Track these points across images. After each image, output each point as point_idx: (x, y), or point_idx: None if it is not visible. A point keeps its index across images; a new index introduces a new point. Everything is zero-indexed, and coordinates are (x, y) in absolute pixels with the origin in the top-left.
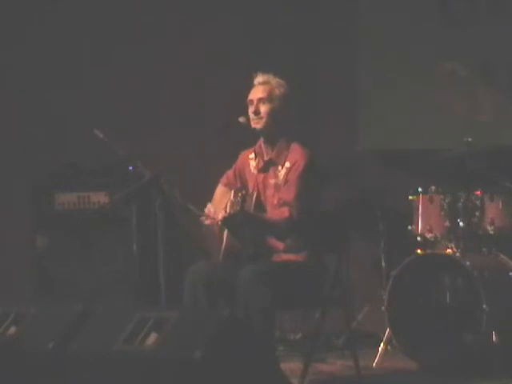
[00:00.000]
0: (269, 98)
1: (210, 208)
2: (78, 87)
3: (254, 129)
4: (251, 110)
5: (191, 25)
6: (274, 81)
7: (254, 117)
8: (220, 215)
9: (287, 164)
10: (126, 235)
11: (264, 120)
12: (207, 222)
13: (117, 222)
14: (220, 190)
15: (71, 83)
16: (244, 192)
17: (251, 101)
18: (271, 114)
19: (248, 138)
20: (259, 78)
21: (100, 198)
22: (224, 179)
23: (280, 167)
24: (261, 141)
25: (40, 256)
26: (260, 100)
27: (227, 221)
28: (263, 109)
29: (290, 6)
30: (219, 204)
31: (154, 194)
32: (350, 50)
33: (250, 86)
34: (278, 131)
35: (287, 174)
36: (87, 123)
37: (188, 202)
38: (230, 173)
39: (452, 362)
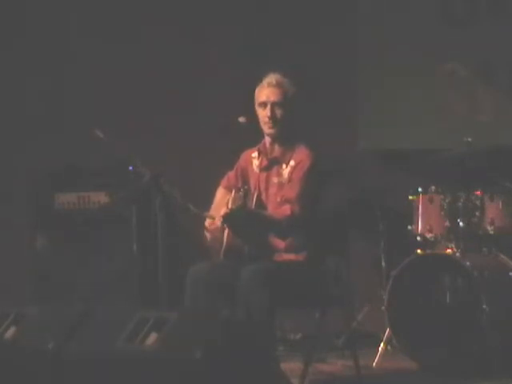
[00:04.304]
0: (284, 102)
1: (210, 223)
2: (78, 87)
3: (270, 134)
4: (265, 113)
5: (191, 25)
6: (286, 82)
7: (269, 121)
8: (222, 211)
9: (292, 163)
10: (125, 235)
11: (280, 124)
12: (209, 236)
13: (117, 222)
14: (220, 192)
15: (71, 83)
16: (246, 187)
17: (264, 103)
18: (287, 118)
19: (248, 137)
20: (271, 80)
21: (100, 197)
22: (224, 181)
23: (284, 166)
24: (266, 140)
25: (40, 256)
26: (275, 104)
27: (229, 217)
28: (279, 113)
29: (291, 6)
30: (220, 206)
31: (154, 194)
32: (350, 49)
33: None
34: (289, 132)
35: (292, 172)
36: (87, 123)
37: (188, 202)
38: (231, 174)
39: (452, 362)
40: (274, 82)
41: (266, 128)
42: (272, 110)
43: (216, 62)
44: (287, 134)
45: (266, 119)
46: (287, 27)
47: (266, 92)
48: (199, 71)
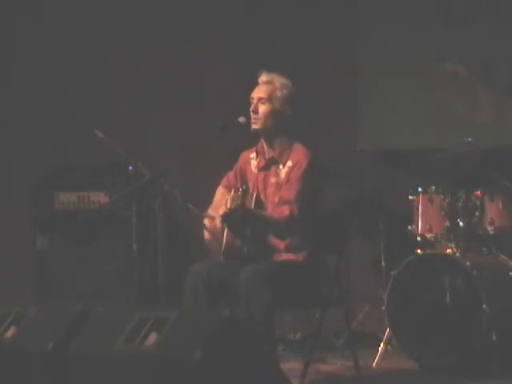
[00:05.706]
0: (269, 99)
1: (210, 222)
2: (78, 87)
3: (253, 130)
4: (251, 108)
5: (191, 24)
6: (279, 81)
7: (253, 115)
8: (220, 211)
9: (289, 163)
10: (125, 235)
11: (261, 120)
12: (209, 236)
13: (117, 222)
14: (220, 191)
15: (71, 83)
16: (245, 187)
17: (252, 98)
18: (269, 115)
19: (248, 138)
20: (263, 77)
21: (100, 197)
22: (224, 181)
23: (281, 166)
24: (262, 140)
25: (40, 256)
26: (260, 99)
27: (228, 216)
28: (262, 109)
29: (291, 5)
30: (219, 206)
31: (154, 194)
32: (351, 49)
33: (250, 86)
34: (278, 131)
35: (289, 172)
36: (87, 123)
37: (188, 202)
38: (230, 174)
39: (452, 362)
40: (265, 79)
41: (252, 123)
42: (255, 105)
43: (216, 62)
44: (274, 132)
45: (251, 113)
46: (288, 27)
47: (256, 88)
48: (199, 71)
